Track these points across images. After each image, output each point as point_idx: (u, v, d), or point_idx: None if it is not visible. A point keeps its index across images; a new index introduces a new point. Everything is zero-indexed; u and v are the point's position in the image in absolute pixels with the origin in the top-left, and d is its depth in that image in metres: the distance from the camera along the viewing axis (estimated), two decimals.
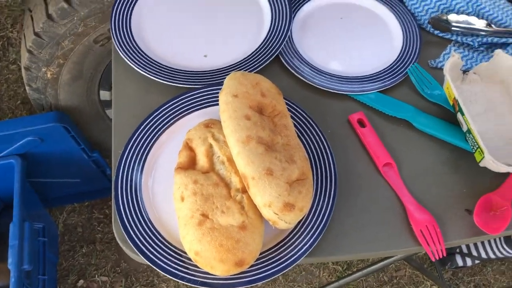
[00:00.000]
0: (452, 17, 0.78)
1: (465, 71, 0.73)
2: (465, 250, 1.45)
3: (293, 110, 0.69)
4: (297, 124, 0.67)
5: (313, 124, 0.68)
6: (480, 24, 0.78)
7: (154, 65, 0.72)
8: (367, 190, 0.66)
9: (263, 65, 0.73)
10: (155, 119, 0.67)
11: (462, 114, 0.64)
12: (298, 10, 0.81)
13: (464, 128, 0.65)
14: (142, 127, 0.66)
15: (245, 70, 0.72)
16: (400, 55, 0.76)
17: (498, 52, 0.71)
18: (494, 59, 0.71)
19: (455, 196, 0.66)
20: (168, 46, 0.76)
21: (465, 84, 0.71)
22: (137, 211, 0.60)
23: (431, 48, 0.79)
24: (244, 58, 0.74)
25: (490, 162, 0.61)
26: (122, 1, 0.79)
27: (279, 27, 0.77)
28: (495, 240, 1.42)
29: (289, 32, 0.76)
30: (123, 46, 0.74)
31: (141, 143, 0.65)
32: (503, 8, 0.80)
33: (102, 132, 1.23)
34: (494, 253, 1.43)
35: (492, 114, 0.70)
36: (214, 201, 0.57)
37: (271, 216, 0.55)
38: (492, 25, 0.78)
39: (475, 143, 0.63)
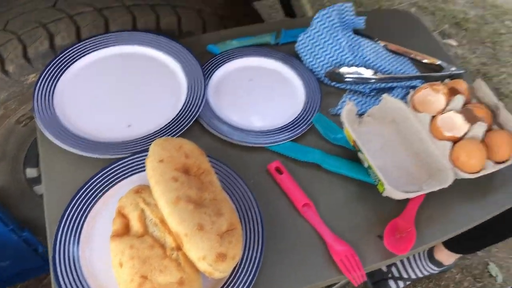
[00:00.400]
0: (344, 69, 0.90)
1: (361, 115, 0.84)
2: (396, 274, 1.55)
3: (217, 166, 0.75)
4: (222, 179, 0.73)
5: (236, 177, 0.74)
6: (368, 73, 0.90)
7: (79, 140, 0.76)
8: (291, 231, 0.72)
9: (185, 129, 0.79)
10: (86, 192, 0.70)
11: (362, 153, 0.74)
12: (210, 76, 0.88)
13: (365, 165, 0.75)
14: (74, 201, 0.69)
15: (168, 135, 0.78)
16: (305, 107, 0.86)
17: (385, 96, 0.82)
18: (383, 102, 0.82)
19: (367, 225, 0.74)
20: (91, 120, 0.80)
21: (362, 126, 0.82)
22: (78, 283, 0.62)
23: (330, 98, 0.89)
24: (166, 125, 0.79)
25: (391, 191, 0.71)
26: (43, 81, 0.82)
27: (195, 93, 0.84)
28: (420, 259, 1.54)
29: (204, 97, 0.83)
30: (48, 125, 0.77)
31: (75, 216, 0.68)
32: (385, 58, 0.94)
33: (31, 209, 1.21)
34: (421, 271, 1.54)
35: (387, 149, 0.80)
36: (152, 262, 0.60)
37: (206, 268, 0.60)
38: (378, 73, 0.91)
39: (376, 177, 0.72)
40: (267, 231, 0.70)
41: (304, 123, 0.84)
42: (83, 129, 0.78)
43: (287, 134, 0.82)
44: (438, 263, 1.51)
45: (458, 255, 1.50)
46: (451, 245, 1.44)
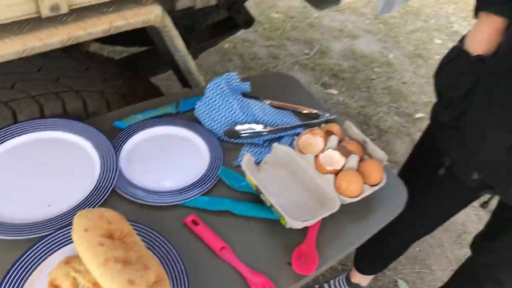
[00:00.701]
0: (238, 127, 1.04)
1: (258, 163, 0.98)
2: None
3: (138, 228, 0.82)
4: (144, 239, 0.80)
5: (157, 235, 0.82)
6: (259, 127, 1.05)
7: (0, 225, 0.79)
8: (213, 274, 0.80)
9: (103, 200, 0.86)
10: (15, 273, 0.73)
11: (264, 195, 0.87)
12: (120, 149, 0.97)
13: (268, 204, 0.88)
14: (4, 283, 0.72)
15: (88, 208, 0.84)
16: (210, 163, 0.97)
17: (275, 144, 0.97)
18: (274, 150, 0.97)
19: (278, 255, 0.85)
20: (11, 204, 0.83)
21: (261, 173, 0.95)
22: None
23: (231, 152, 1.02)
24: (85, 199, 0.85)
25: (292, 223, 0.83)
26: None
27: (108, 166, 0.91)
28: (340, 285, 1.68)
29: (117, 168, 0.91)
30: None
31: None
32: (271, 113, 1.10)
33: None
34: None
35: (284, 188, 0.94)
36: None
37: None
38: (268, 126, 1.06)
39: (278, 213, 0.85)
40: (191, 277, 0.78)
41: (212, 177, 0.95)
42: (4, 214, 0.81)
43: (198, 189, 0.92)
44: (355, 286, 1.67)
45: (370, 276, 1.67)
46: (360, 268, 1.61)
